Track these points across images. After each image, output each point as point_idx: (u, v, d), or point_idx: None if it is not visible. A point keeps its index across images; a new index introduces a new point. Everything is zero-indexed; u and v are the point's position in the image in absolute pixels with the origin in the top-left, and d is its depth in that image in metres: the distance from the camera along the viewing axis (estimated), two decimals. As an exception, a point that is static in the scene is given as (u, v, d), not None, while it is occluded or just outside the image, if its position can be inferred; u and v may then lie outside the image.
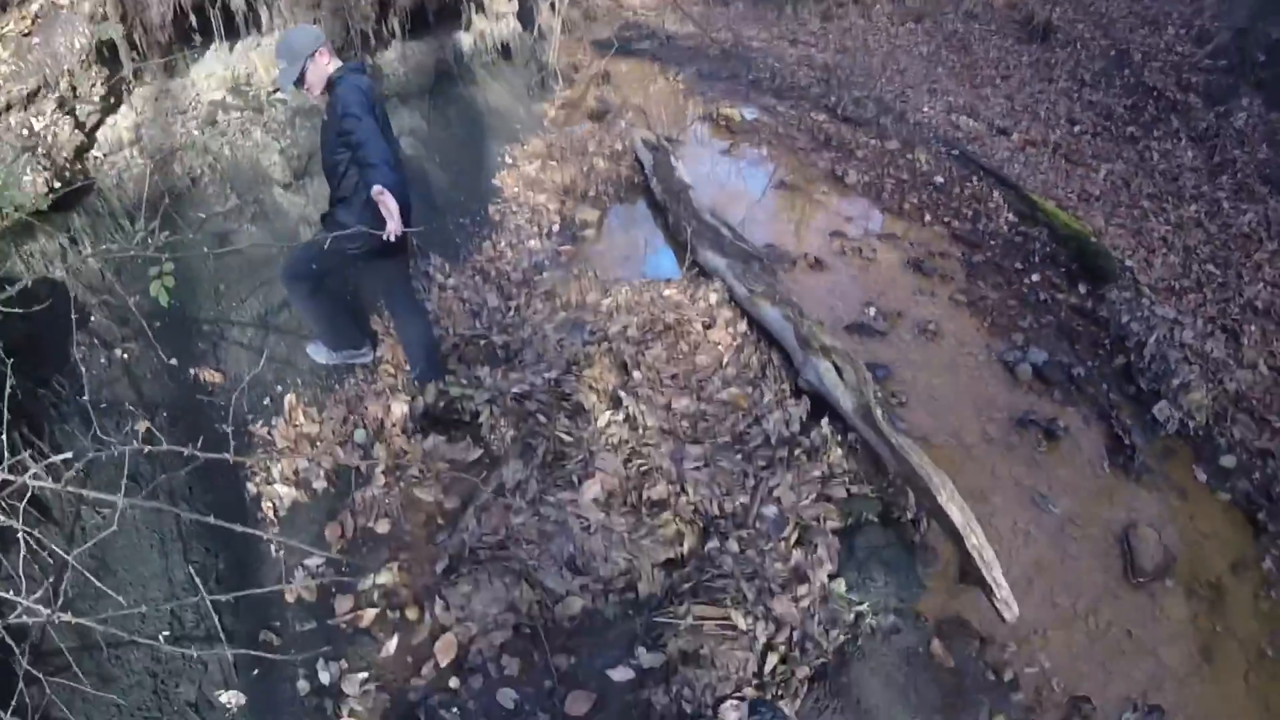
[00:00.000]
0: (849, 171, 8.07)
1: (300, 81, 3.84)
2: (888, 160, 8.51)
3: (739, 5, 16.75)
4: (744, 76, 11.23)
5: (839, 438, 4.38)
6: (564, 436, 4.34)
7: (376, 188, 3.46)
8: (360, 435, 4.37)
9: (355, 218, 3.77)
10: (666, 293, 5.54)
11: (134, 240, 2.74)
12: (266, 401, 4.34)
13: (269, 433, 4.21)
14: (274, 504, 3.95)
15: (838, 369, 4.55)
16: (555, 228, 6.65)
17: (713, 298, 5.50)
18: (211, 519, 2.60)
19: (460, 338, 5.06)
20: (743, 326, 5.29)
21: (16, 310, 3.03)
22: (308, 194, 5.30)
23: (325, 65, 3.78)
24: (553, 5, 9.91)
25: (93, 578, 2.69)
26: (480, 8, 7.83)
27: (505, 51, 8.56)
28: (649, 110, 9.39)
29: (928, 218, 7.40)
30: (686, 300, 5.48)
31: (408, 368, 4.59)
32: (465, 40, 7.76)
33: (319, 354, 4.54)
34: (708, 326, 5.23)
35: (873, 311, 5.85)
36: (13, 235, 3.96)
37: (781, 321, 5.02)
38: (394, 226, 3.48)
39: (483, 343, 5.06)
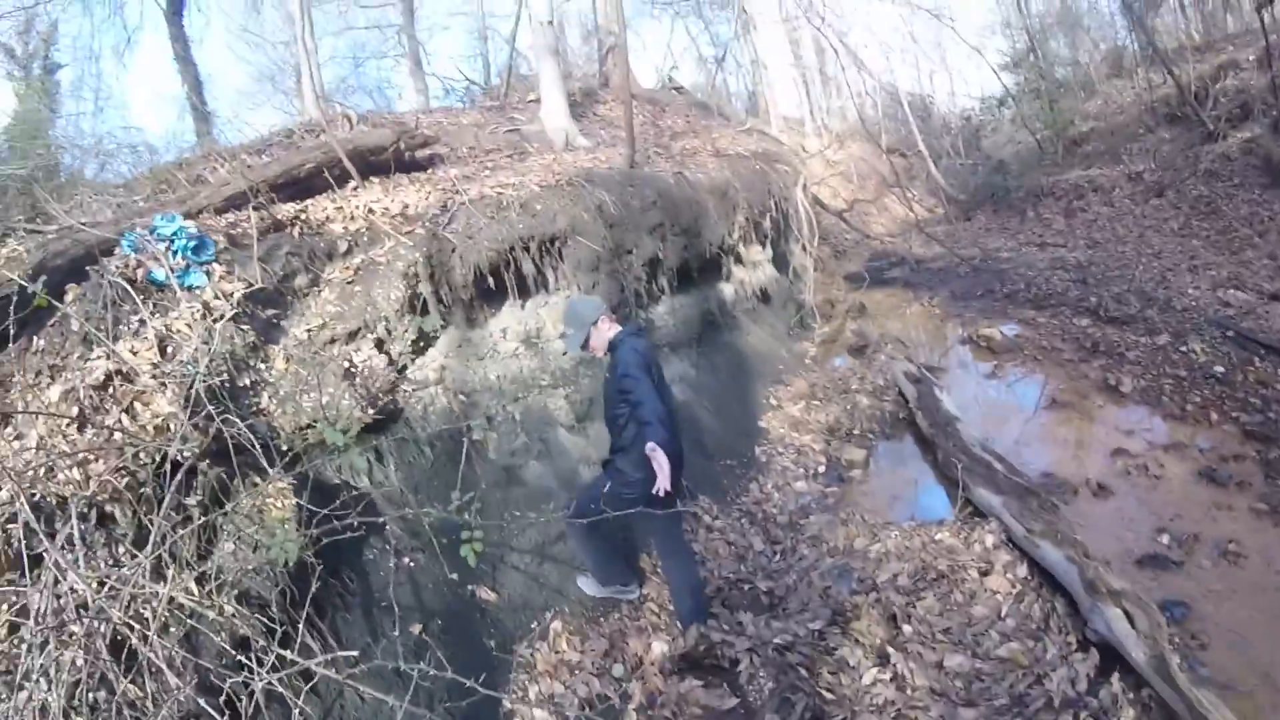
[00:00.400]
0: (1123, 379, 7.31)
1: (585, 345, 4.39)
2: (1161, 358, 7.62)
3: (980, 218, 16.77)
4: (998, 291, 10.92)
5: (1130, 695, 3.78)
6: (825, 694, 4.07)
7: (650, 445, 3.83)
8: (618, 670, 4.35)
9: (633, 468, 4.09)
10: (939, 536, 5.24)
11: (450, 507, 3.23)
12: (534, 625, 4.50)
13: (531, 654, 4.32)
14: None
15: (1128, 615, 4.01)
16: (821, 469, 6.56)
17: (989, 540, 5.10)
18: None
19: (725, 581, 4.99)
20: (1022, 571, 4.79)
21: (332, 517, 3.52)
22: (588, 436, 5.76)
23: (607, 331, 4.31)
24: (804, 247, 10.53)
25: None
26: (738, 259, 8.55)
27: (764, 296, 9.14)
28: (907, 339, 9.35)
29: (1214, 416, 6.39)
30: (960, 544, 5.15)
31: (671, 608, 4.69)
32: (727, 290, 8.42)
33: (589, 586, 4.77)
34: (984, 573, 4.83)
35: (1165, 539, 5.06)
36: (329, 451, 4.53)
37: (1065, 564, 4.53)
38: (663, 483, 3.82)
39: (747, 588, 4.93)
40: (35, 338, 4.44)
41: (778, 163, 9.88)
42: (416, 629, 4.20)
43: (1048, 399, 7.50)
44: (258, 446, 3.95)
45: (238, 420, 4.21)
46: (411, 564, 4.51)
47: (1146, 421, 6.76)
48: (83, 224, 5.29)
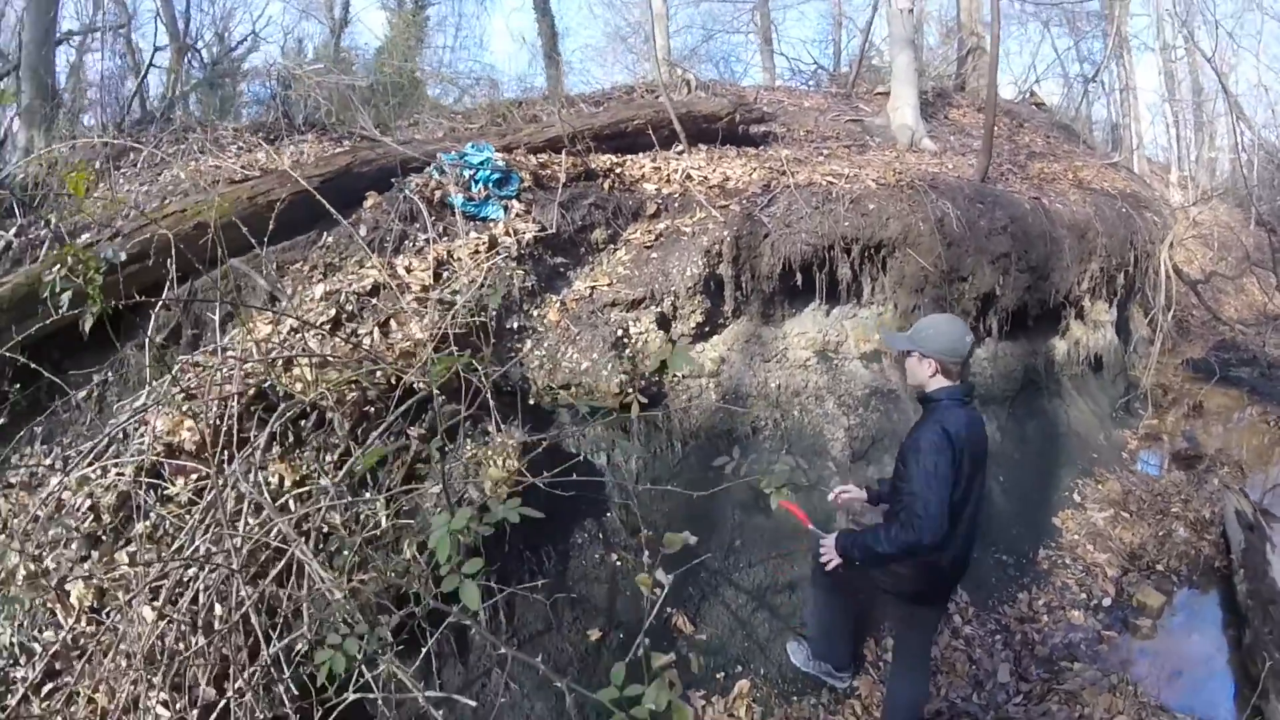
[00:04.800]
0: None
1: (899, 358, 3.41)
2: None
3: None
4: None
5: None
6: None
7: (844, 541, 3.18)
8: None
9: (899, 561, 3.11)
10: None
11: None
12: (720, 675, 3.76)
13: (704, 708, 3.63)
14: None
15: None
16: (1107, 601, 5.10)
17: None
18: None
19: (949, 705, 3.92)
20: None
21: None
22: (863, 478, 4.66)
23: (924, 373, 3.12)
24: (1153, 317, 8.56)
25: None
26: (1080, 314, 6.96)
27: (1096, 364, 7.42)
28: (1246, 465, 7.33)
29: None
30: None
31: (877, 716, 3.72)
32: (1059, 347, 6.85)
33: (797, 655, 3.93)
34: None
35: None
36: (580, 419, 4.14)
37: None
38: (832, 563, 3.23)
39: (971, 726, 3.91)
40: (326, 233, 4.31)
41: (1145, 209, 7.98)
42: (595, 635, 3.63)
43: None
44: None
45: (490, 363, 3.83)
46: (619, 562, 3.90)
47: None
48: (401, 141, 5.21)
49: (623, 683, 1.60)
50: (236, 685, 2.48)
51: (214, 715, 2.49)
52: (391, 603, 2.87)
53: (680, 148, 5.92)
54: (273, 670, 2.59)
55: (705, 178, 5.29)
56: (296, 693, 2.55)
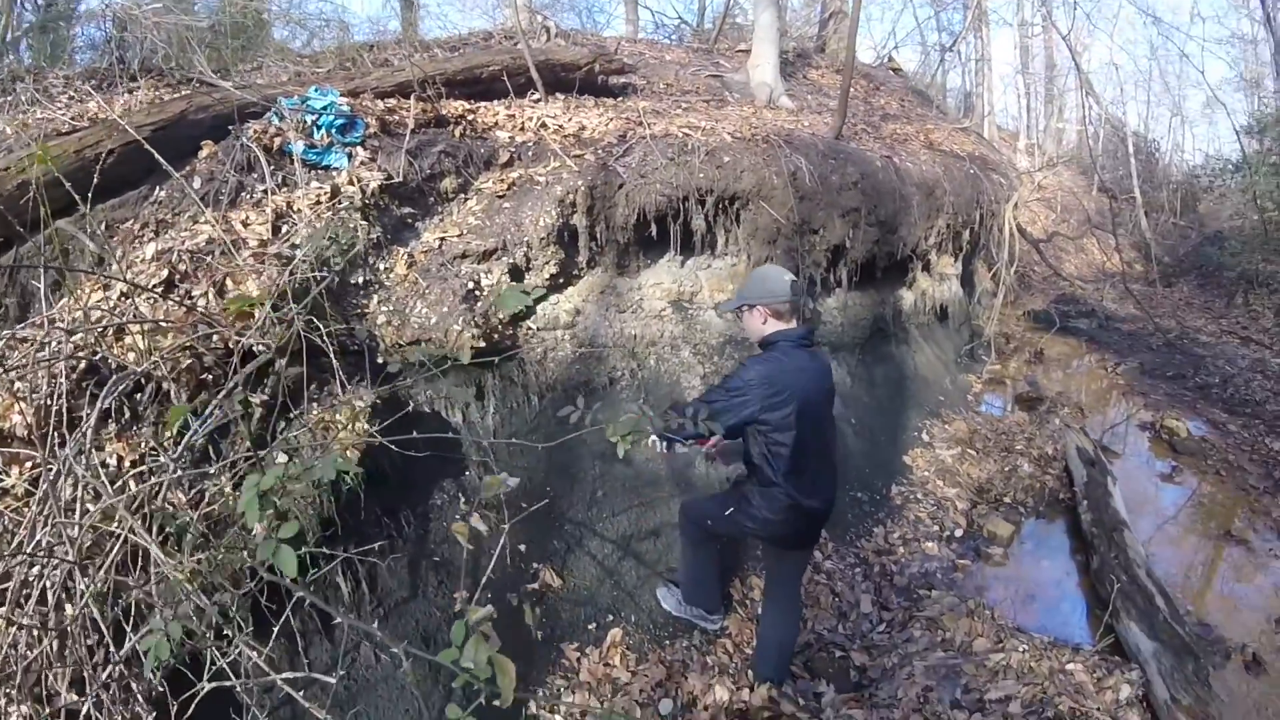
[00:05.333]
0: None
1: (738, 316, 3.37)
2: (1358, 521, 5.98)
3: (1183, 288, 14.76)
4: (1190, 377, 9.15)
5: None
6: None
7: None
8: (666, 706, 3.60)
9: (763, 503, 3.24)
10: (1070, 667, 4.06)
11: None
12: (591, 626, 3.79)
13: (578, 659, 3.63)
14: None
15: None
16: (959, 532, 5.40)
17: (1124, 692, 3.90)
18: None
19: (816, 637, 4.07)
20: None
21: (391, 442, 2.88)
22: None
23: (757, 323, 3.21)
24: (996, 271, 9.09)
25: None
26: (927, 267, 7.29)
27: (942, 313, 7.82)
28: (1085, 407, 7.90)
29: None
30: (1090, 684, 3.97)
31: (748, 653, 3.83)
32: (907, 298, 7.15)
33: (668, 600, 3.96)
34: None
35: None
36: (429, 376, 3.99)
37: (1203, 762, 3.39)
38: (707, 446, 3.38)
39: (839, 654, 3.98)
40: (159, 188, 3.97)
41: (992, 172, 8.42)
42: (461, 595, 3.53)
43: (1222, 529, 5.96)
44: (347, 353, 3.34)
45: (335, 321, 3.64)
46: (482, 523, 3.80)
47: (1325, 594, 5.20)
48: (241, 86, 4.86)
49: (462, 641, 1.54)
50: (95, 688, 2.28)
51: None
52: (246, 581, 2.71)
53: (537, 96, 5.76)
54: (125, 668, 2.39)
55: (561, 127, 5.16)
56: (163, 689, 2.38)
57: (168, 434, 2.97)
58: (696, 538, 3.68)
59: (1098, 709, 3.75)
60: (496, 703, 1.42)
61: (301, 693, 2.10)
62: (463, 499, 3.88)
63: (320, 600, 2.08)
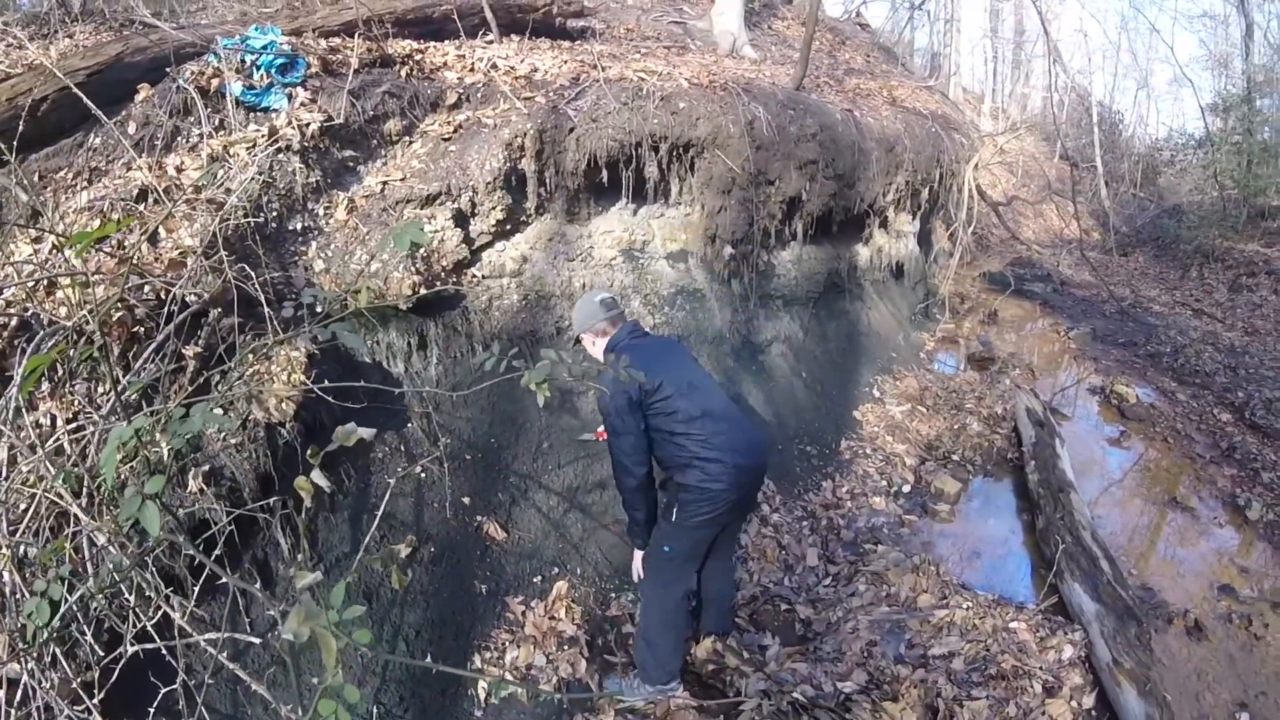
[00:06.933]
0: (1252, 501, 5.84)
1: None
2: (1303, 492, 6.16)
3: (1139, 258, 14.98)
4: (1141, 345, 9.29)
5: None
6: (829, 781, 3.19)
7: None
8: (612, 659, 3.63)
9: (694, 481, 3.12)
10: (1013, 625, 4.10)
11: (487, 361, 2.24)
12: (536, 579, 3.74)
13: (523, 613, 3.57)
14: (491, 685, 3.31)
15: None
16: (906, 488, 5.41)
17: (1066, 652, 3.95)
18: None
19: (762, 590, 4.06)
20: (1089, 702, 3.74)
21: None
22: None
23: (594, 348, 3.37)
24: (953, 230, 9.09)
25: None
26: (885, 224, 7.23)
27: (898, 271, 7.80)
28: (1037, 369, 7.98)
29: (1346, 583, 5.07)
30: (1033, 643, 4.03)
31: (693, 606, 3.80)
32: (863, 254, 7.10)
33: (634, 693, 3.39)
34: (1049, 690, 3.71)
35: (1245, 717, 3.97)
36: (369, 323, 3.86)
37: (1144, 720, 3.48)
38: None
39: (784, 608, 3.98)
40: (93, 135, 3.75)
41: (955, 132, 8.36)
42: (404, 550, 3.42)
43: (1166, 494, 6.02)
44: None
45: (271, 270, 3.48)
46: (422, 474, 3.71)
47: (1265, 563, 5.29)
48: (178, 26, 4.60)
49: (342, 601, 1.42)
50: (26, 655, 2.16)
51: (20, 690, 2.16)
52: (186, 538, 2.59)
53: (490, 37, 5.52)
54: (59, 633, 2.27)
55: (512, 68, 4.95)
56: (102, 654, 2.30)
57: (99, 389, 2.82)
58: (663, 580, 3.31)
59: (1040, 668, 3.79)
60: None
61: (225, 654, 2.01)
62: (404, 450, 3.77)
63: (216, 565, 1.98)
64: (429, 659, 3.16)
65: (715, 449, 3.04)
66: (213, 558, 2.19)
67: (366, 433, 1.63)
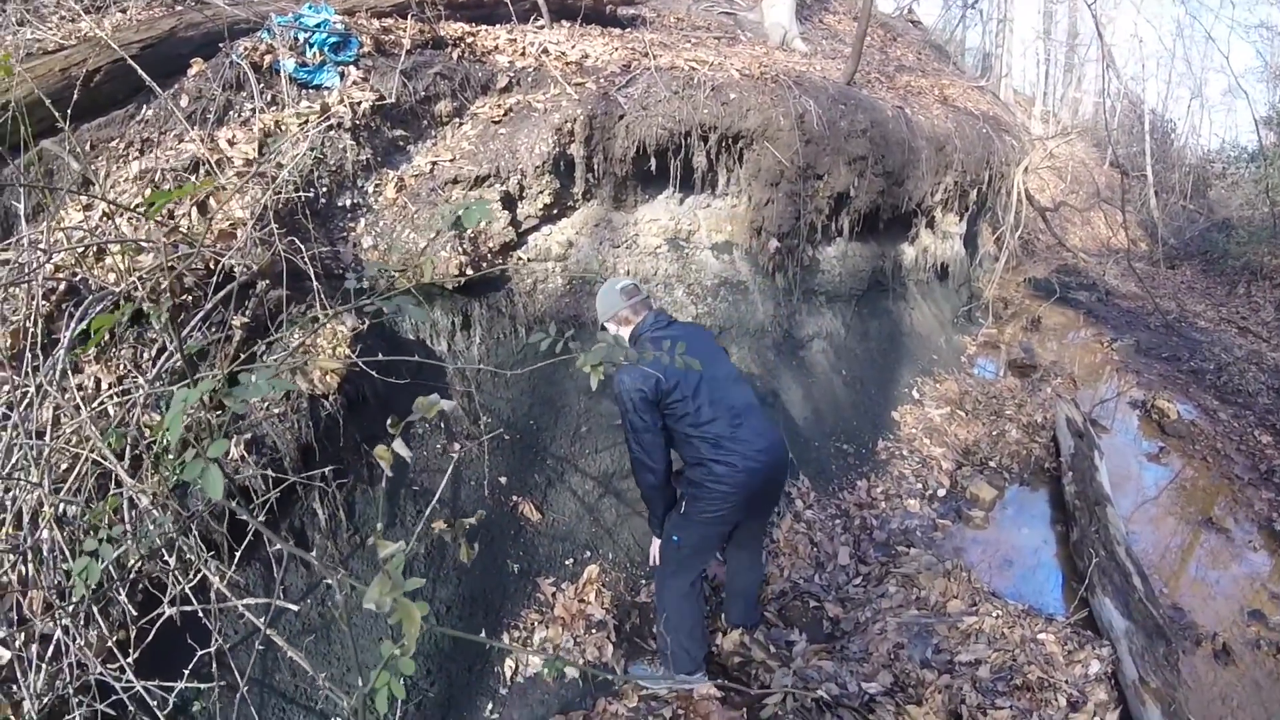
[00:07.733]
0: None
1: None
2: (1341, 522, 5.91)
3: (1186, 271, 14.58)
4: (1185, 361, 8.99)
5: None
6: (851, 784, 3.15)
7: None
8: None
9: (711, 474, 3.10)
10: (1041, 636, 4.02)
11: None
12: (569, 562, 3.75)
13: (554, 594, 3.58)
14: (518, 663, 3.32)
15: None
16: (941, 492, 5.33)
17: (1094, 667, 3.87)
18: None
19: (792, 586, 4.02)
20: (1113, 719, 3.68)
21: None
22: None
23: (619, 332, 3.31)
24: (1000, 234, 8.92)
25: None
26: (931, 224, 7.12)
27: (942, 272, 7.67)
28: (1078, 379, 7.78)
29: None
30: (1060, 655, 3.94)
31: (722, 598, 3.79)
32: (908, 253, 7.00)
33: (653, 680, 3.41)
34: (1073, 705, 3.64)
35: None
36: (417, 300, 3.85)
37: (1165, 742, 3.38)
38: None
39: (813, 604, 3.95)
40: (146, 107, 3.80)
41: (1005, 134, 8.20)
42: (440, 526, 3.47)
43: (1202, 514, 5.80)
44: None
45: (320, 244, 3.51)
46: (460, 451, 3.72)
47: (1300, 592, 5.14)
48: (233, 2, 4.64)
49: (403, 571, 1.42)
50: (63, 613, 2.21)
51: (51, 647, 2.20)
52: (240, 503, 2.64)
53: (541, 22, 5.52)
54: (95, 593, 2.31)
55: (563, 54, 4.94)
56: (136, 614, 2.34)
57: (145, 355, 2.87)
58: (671, 568, 3.33)
59: (1065, 681, 3.71)
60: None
61: (263, 619, 2.04)
62: (444, 428, 3.79)
63: (264, 527, 2.00)
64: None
65: (726, 452, 3.03)
66: (252, 527, 2.24)
67: (448, 405, 1.64)
